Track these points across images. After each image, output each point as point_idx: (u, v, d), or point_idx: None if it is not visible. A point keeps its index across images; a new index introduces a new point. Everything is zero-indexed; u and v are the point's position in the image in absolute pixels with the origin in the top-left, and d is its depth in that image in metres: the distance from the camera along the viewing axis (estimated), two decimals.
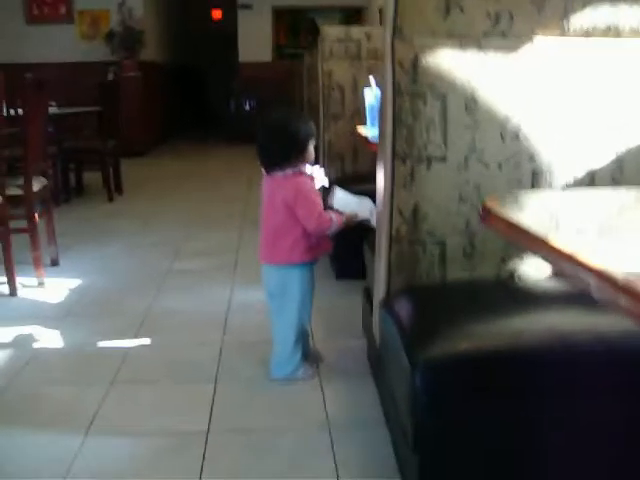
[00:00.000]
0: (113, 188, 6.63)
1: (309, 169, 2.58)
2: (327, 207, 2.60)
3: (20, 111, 3.99)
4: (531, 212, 1.47)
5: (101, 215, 5.98)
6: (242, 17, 11.74)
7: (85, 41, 9.71)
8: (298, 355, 2.65)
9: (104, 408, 2.48)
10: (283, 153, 2.50)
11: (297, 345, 2.64)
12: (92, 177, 6.85)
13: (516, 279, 2.17)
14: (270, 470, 2.12)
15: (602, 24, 2.08)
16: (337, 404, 2.51)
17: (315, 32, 4.61)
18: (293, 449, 2.23)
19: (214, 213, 6.00)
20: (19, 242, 3.85)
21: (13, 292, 3.69)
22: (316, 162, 2.68)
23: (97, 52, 9.43)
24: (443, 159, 2.08)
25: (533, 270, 2.15)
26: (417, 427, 1.71)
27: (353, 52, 4.19)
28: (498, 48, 2.06)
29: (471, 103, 2.06)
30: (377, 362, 2.38)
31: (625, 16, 2.07)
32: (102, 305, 3.61)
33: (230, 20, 12.49)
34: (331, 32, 4.24)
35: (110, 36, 9.37)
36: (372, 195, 2.39)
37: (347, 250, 3.38)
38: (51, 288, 3.85)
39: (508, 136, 2.08)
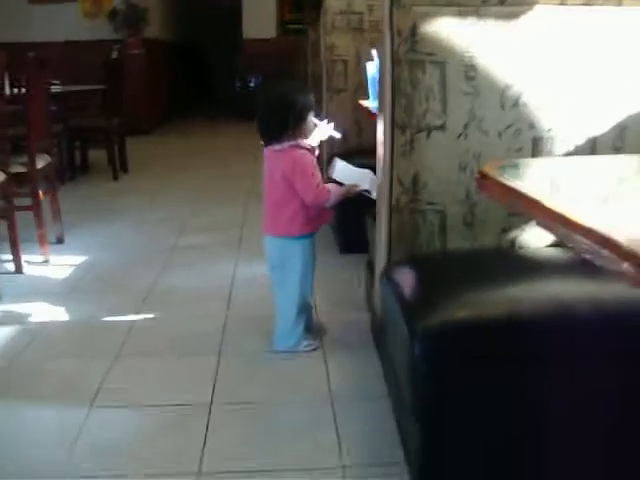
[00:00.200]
0: (118, 166, 6.63)
1: (319, 125, 2.59)
2: (327, 179, 2.59)
3: (23, 90, 3.98)
4: (530, 179, 1.47)
5: (106, 193, 5.98)
6: None
7: (88, 19, 9.65)
8: (300, 327, 2.66)
9: (108, 381, 2.50)
10: (280, 125, 2.49)
11: (299, 317, 2.64)
12: (97, 155, 6.85)
13: (517, 248, 2.16)
14: (272, 441, 2.13)
15: None
16: (340, 377, 2.52)
17: (319, 7, 4.57)
18: (295, 421, 2.24)
19: (220, 189, 6.00)
20: (24, 220, 3.86)
21: (19, 269, 3.71)
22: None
23: (101, 30, 9.38)
24: (442, 128, 2.07)
25: (534, 239, 2.14)
26: (417, 396, 1.71)
27: (356, 24, 4.16)
28: (497, 16, 2.04)
29: (470, 71, 2.04)
30: (379, 333, 2.38)
31: None
32: (107, 281, 3.63)
33: None
34: (333, 4, 4.20)
35: (113, 14, 9.33)
36: (374, 168, 2.39)
37: (351, 224, 3.39)
38: (56, 265, 3.87)
39: (508, 104, 2.07)
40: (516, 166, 1.53)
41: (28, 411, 2.34)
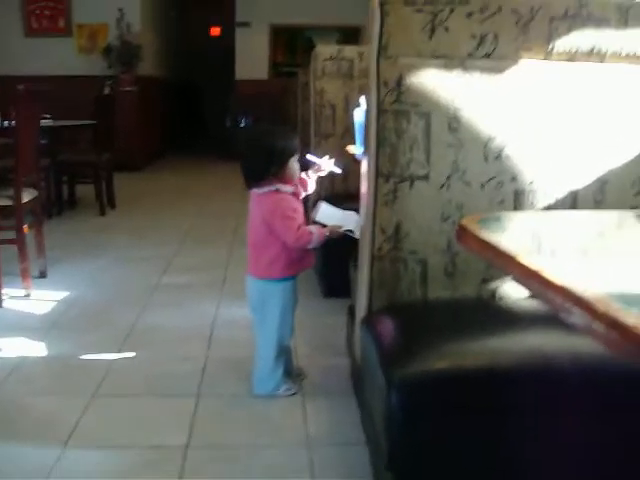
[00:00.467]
0: (106, 202, 6.63)
1: (321, 161, 2.64)
2: (312, 222, 2.60)
3: (14, 123, 3.99)
4: (511, 233, 1.48)
5: (92, 229, 5.97)
6: (240, 34, 11.80)
7: (83, 55, 9.73)
8: (279, 371, 2.65)
9: (84, 420, 2.47)
10: (260, 169, 2.48)
11: (278, 361, 2.63)
12: (85, 190, 6.85)
13: (497, 299, 2.17)
14: None
15: (586, 48, 2.10)
16: (318, 422, 2.50)
17: (311, 52, 4.63)
18: (271, 467, 2.22)
19: (206, 229, 6.00)
20: (8, 253, 3.84)
21: None
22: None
23: (95, 66, 9.45)
24: (426, 178, 2.09)
25: (514, 290, 2.15)
26: (392, 445, 1.71)
27: (346, 71, 4.21)
28: (482, 69, 2.08)
29: (454, 123, 2.07)
30: (358, 380, 2.38)
31: (608, 40, 2.09)
32: (88, 318, 3.60)
33: (228, 37, 12.55)
34: (324, 50, 4.25)
35: (108, 50, 9.40)
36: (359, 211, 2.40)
37: (335, 268, 3.39)
38: (38, 300, 3.84)
39: (491, 156, 2.09)
40: (497, 219, 1.54)
41: (1, 447, 2.31)
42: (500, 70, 2.08)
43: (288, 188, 2.53)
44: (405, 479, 1.76)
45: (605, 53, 2.11)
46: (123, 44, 9.39)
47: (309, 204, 3.43)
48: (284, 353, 2.68)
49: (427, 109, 2.07)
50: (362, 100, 3.52)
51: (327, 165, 2.73)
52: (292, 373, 2.77)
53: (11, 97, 3.91)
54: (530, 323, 1.98)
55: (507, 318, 2.04)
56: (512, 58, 2.09)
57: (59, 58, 9.45)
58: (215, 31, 15.20)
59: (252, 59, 11.69)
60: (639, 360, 0.82)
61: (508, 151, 2.10)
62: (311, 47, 4.76)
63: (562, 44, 2.09)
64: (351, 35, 11.54)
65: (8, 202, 3.82)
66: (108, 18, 9.50)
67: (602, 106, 2.14)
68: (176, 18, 13.62)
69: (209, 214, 6.75)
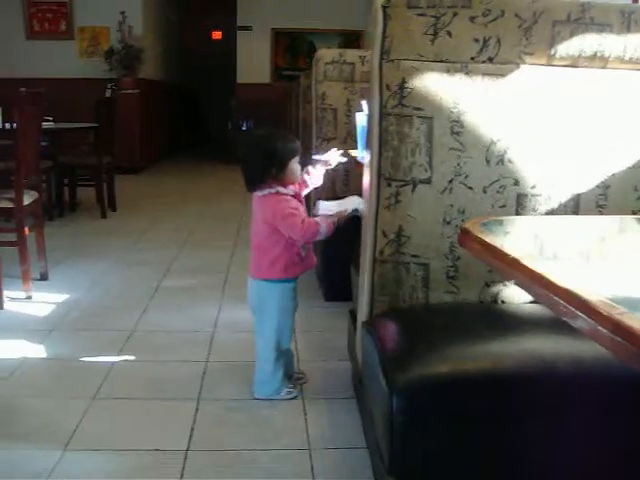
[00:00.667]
0: (107, 205, 6.63)
1: (327, 156, 2.66)
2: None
3: (15, 125, 3.99)
4: (514, 237, 1.48)
5: (93, 231, 5.97)
6: (241, 38, 11.82)
7: (84, 57, 9.76)
8: (280, 374, 2.64)
9: (85, 423, 2.46)
10: (260, 172, 2.48)
11: (278, 363, 2.63)
12: (86, 193, 6.85)
13: (499, 303, 2.17)
14: None
15: (588, 52, 2.09)
16: (319, 426, 2.49)
17: (313, 56, 4.63)
18: (272, 470, 2.21)
19: (207, 232, 6.00)
20: (8, 255, 3.84)
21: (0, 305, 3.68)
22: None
23: (96, 69, 9.47)
24: (428, 181, 2.09)
25: (517, 294, 2.15)
26: (393, 449, 1.70)
27: (347, 75, 4.21)
28: (485, 73, 2.08)
29: (457, 126, 2.07)
30: (359, 383, 2.37)
31: (611, 45, 2.09)
32: (89, 320, 3.60)
33: (229, 41, 12.58)
34: (325, 54, 4.25)
35: (109, 53, 9.42)
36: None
37: (336, 272, 3.38)
38: (38, 302, 3.84)
39: (493, 160, 2.09)
40: (500, 223, 1.54)
41: (0, 450, 2.30)
42: (503, 74, 2.08)
43: (289, 190, 2.52)
44: None
45: (608, 58, 2.11)
46: (125, 47, 9.41)
47: (310, 204, 3.42)
48: (284, 356, 2.67)
49: (429, 113, 2.06)
50: (364, 104, 3.54)
51: (334, 157, 2.73)
52: (293, 377, 2.76)
53: (13, 99, 3.92)
54: (533, 328, 1.98)
55: (509, 323, 2.03)
56: (515, 62, 2.09)
57: (61, 61, 9.48)
58: (217, 35, 15.25)
59: (253, 63, 11.71)
60: None
61: (510, 155, 2.10)
62: (312, 51, 4.76)
63: (565, 48, 2.09)
64: (353, 39, 11.57)
65: (9, 204, 3.82)
66: (110, 21, 9.52)
67: (604, 111, 2.14)
68: (178, 22, 13.64)
69: (210, 217, 6.75)
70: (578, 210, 2.15)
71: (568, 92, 2.12)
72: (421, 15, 2.05)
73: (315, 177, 2.71)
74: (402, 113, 2.06)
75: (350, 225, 2.53)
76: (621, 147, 2.15)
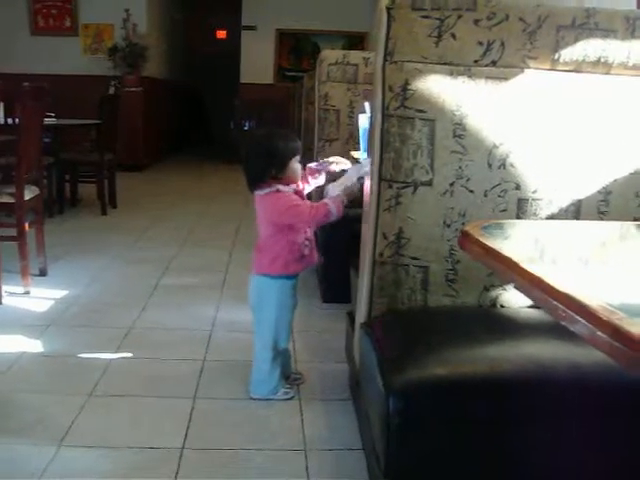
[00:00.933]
0: (107, 201, 6.62)
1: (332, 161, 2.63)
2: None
3: (18, 120, 3.99)
4: (514, 240, 1.47)
5: (93, 228, 5.96)
6: (245, 38, 11.82)
7: (88, 54, 9.77)
8: (276, 374, 2.64)
9: (80, 420, 2.46)
10: (261, 170, 2.48)
11: (275, 363, 2.63)
12: (87, 189, 6.85)
13: (498, 307, 2.16)
14: None
15: (592, 57, 2.09)
16: (315, 427, 2.49)
17: (316, 57, 4.64)
18: (266, 470, 2.21)
19: (207, 231, 5.99)
20: (8, 250, 3.84)
21: None
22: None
23: (100, 66, 9.47)
24: (429, 184, 2.08)
25: (515, 299, 2.15)
26: (389, 451, 1.70)
27: (350, 76, 4.21)
28: (488, 76, 2.07)
29: (459, 129, 2.06)
30: (356, 385, 2.37)
31: (615, 51, 2.09)
32: (87, 317, 3.59)
33: (234, 40, 12.58)
34: (329, 55, 4.26)
35: (113, 50, 9.42)
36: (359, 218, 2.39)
37: (335, 273, 3.38)
38: (37, 298, 3.83)
39: (495, 164, 2.09)
40: (500, 226, 1.54)
41: None
42: (506, 78, 2.08)
43: (289, 188, 2.52)
44: None
45: (611, 64, 2.10)
46: (129, 44, 9.41)
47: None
48: (281, 356, 2.67)
49: (432, 115, 2.06)
50: (367, 106, 3.54)
51: (338, 163, 2.70)
52: (290, 377, 2.76)
53: (16, 94, 3.91)
54: (531, 332, 1.98)
55: (508, 327, 2.03)
56: (518, 66, 2.08)
57: (65, 57, 9.49)
58: (221, 34, 15.25)
59: (257, 63, 11.72)
60: None
61: (512, 159, 2.09)
62: (316, 52, 4.77)
63: (568, 53, 2.08)
64: (357, 41, 11.57)
65: (10, 199, 3.82)
66: (114, 18, 9.53)
67: (607, 117, 2.13)
68: (182, 20, 13.64)
69: (211, 216, 6.74)
70: (579, 216, 2.15)
71: (571, 97, 2.11)
72: (425, 17, 2.04)
73: (320, 178, 2.70)
74: (404, 115, 2.06)
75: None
76: (623, 153, 2.15)
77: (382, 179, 2.10)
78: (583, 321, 0.91)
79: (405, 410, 1.66)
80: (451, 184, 2.09)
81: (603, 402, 1.67)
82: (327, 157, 2.80)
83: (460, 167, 2.08)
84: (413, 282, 2.13)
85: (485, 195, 2.10)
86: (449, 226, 2.11)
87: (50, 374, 2.86)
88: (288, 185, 2.51)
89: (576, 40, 2.08)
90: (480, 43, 2.07)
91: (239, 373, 2.83)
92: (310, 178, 2.67)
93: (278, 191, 2.49)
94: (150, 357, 3.07)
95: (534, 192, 2.12)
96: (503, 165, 2.09)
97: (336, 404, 2.65)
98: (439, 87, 2.06)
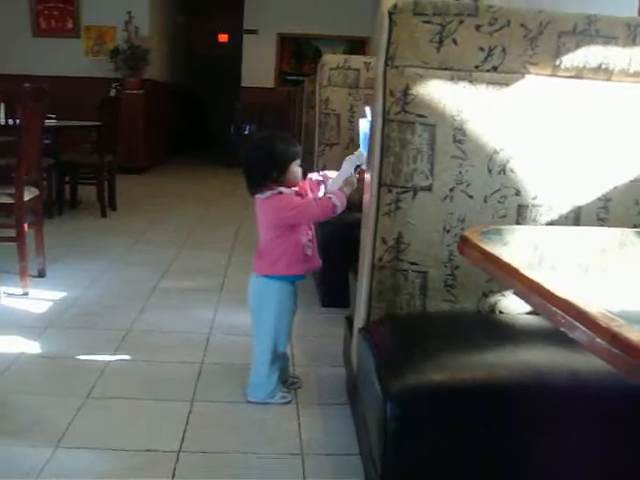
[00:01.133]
0: (107, 204, 6.62)
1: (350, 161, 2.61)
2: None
3: (18, 121, 4.00)
4: (513, 246, 1.47)
5: (93, 230, 5.96)
6: (247, 42, 11.84)
7: (90, 56, 9.78)
8: (274, 378, 2.63)
9: (77, 421, 2.45)
10: (261, 174, 2.48)
11: (273, 366, 2.62)
12: (87, 191, 6.85)
13: (497, 313, 2.16)
14: None
15: (593, 64, 2.09)
16: (312, 431, 2.48)
17: (318, 61, 4.64)
18: (263, 474, 2.20)
19: (206, 235, 5.99)
20: (7, 251, 3.83)
21: None
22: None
23: (102, 68, 9.48)
24: (429, 189, 2.08)
25: (514, 305, 2.14)
26: (386, 456, 1.69)
27: (352, 81, 4.21)
28: (489, 82, 2.07)
29: (459, 135, 2.06)
30: (354, 390, 2.36)
31: (616, 58, 2.09)
32: (85, 319, 3.58)
33: (236, 44, 12.59)
34: (331, 59, 4.26)
35: (115, 53, 9.43)
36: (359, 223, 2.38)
37: (334, 277, 3.37)
38: (35, 299, 3.83)
39: (495, 169, 2.09)
40: (500, 232, 1.53)
41: None
42: (507, 83, 2.08)
43: (291, 191, 2.51)
44: None
45: (612, 70, 2.10)
46: (130, 47, 9.42)
47: None
48: (280, 359, 2.66)
49: (432, 120, 2.06)
50: (367, 110, 3.53)
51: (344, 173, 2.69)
52: (288, 381, 2.76)
53: (17, 95, 3.91)
54: (529, 338, 1.97)
55: (506, 333, 2.03)
56: (519, 72, 2.09)
57: (66, 59, 9.50)
58: (223, 38, 15.27)
59: (258, 67, 11.73)
60: None
61: (512, 165, 2.09)
62: (317, 56, 4.77)
63: (570, 60, 2.09)
64: (358, 46, 11.57)
65: (9, 200, 3.81)
66: (116, 21, 9.54)
67: (608, 123, 2.13)
68: (184, 23, 13.65)
69: (210, 219, 6.74)
70: (579, 223, 2.15)
71: (572, 103, 2.11)
72: (427, 22, 2.04)
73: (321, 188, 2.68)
74: (405, 120, 2.06)
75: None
76: (623, 160, 2.15)
77: (382, 184, 2.09)
78: (582, 327, 0.90)
79: (402, 415, 1.66)
80: (451, 189, 2.09)
81: (602, 409, 1.66)
82: (327, 161, 2.80)
83: (460, 172, 2.08)
84: (412, 287, 2.13)
85: (485, 201, 2.10)
86: (448, 231, 2.10)
87: (48, 376, 2.86)
88: (289, 188, 2.51)
89: (577, 46, 2.09)
90: (481, 49, 2.07)
91: (237, 376, 2.82)
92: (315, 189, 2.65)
93: (280, 193, 2.49)
94: (148, 359, 3.06)
95: (534, 198, 2.12)
96: (503, 171, 2.09)
97: (333, 409, 2.65)
98: (440, 92, 2.06)
